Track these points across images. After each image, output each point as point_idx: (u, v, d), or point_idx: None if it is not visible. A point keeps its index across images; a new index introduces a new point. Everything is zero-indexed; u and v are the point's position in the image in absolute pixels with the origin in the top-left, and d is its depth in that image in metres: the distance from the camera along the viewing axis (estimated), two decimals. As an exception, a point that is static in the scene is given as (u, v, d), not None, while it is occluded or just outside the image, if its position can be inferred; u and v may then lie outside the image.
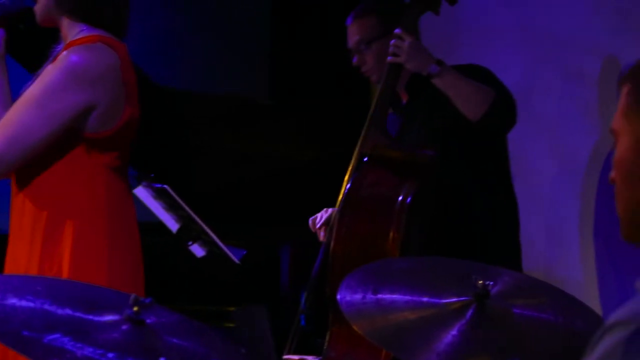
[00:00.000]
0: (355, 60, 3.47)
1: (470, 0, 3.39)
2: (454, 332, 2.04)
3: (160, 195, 3.44)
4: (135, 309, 1.89)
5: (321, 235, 3.37)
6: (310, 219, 3.41)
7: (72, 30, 2.77)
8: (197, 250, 3.58)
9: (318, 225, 3.37)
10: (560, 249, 4.32)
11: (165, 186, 3.39)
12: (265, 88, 5.54)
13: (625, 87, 1.41)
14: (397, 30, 3.27)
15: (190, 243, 3.54)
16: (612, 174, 1.43)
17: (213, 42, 5.46)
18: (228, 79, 5.43)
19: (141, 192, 3.45)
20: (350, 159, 3.37)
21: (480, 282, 2.06)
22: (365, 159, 3.30)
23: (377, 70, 3.42)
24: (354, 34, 3.46)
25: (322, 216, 3.38)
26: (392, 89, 3.37)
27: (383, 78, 3.35)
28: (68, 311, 1.87)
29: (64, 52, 2.73)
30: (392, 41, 3.26)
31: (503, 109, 3.23)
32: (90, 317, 1.88)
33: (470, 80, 3.24)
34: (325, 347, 3.20)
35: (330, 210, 3.38)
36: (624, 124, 1.39)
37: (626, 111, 1.40)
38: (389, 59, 3.28)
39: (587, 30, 4.18)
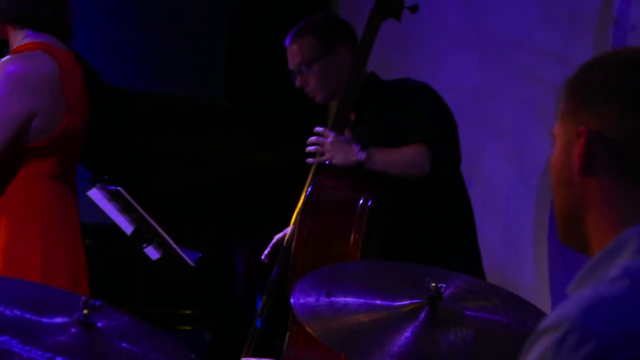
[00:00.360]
0: (297, 83, 3.44)
1: (427, 4, 3.40)
2: (407, 334, 2.04)
3: (114, 197, 3.41)
4: (85, 311, 1.87)
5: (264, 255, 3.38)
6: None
7: (17, 37, 2.81)
8: (152, 252, 3.56)
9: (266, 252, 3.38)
10: (514, 252, 4.34)
11: (119, 188, 3.36)
12: (222, 90, 5.53)
13: (564, 93, 1.43)
14: (317, 128, 3.27)
15: (144, 245, 3.52)
16: None
17: (170, 44, 5.44)
18: (185, 80, 5.41)
19: (95, 194, 3.43)
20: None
21: (433, 284, 2.06)
22: (327, 162, 3.30)
23: (321, 91, 3.41)
24: (293, 56, 3.43)
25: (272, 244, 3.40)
26: (353, 92, 3.35)
27: (320, 86, 3.36)
28: (17, 312, 1.84)
29: (1, 61, 2.75)
30: (314, 138, 3.26)
31: (444, 160, 3.24)
32: (40, 318, 1.86)
33: (401, 151, 3.21)
34: (285, 347, 3.20)
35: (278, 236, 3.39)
36: (560, 128, 1.42)
37: (562, 116, 1.42)
38: (314, 160, 3.26)
39: (540, 34, 4.22)
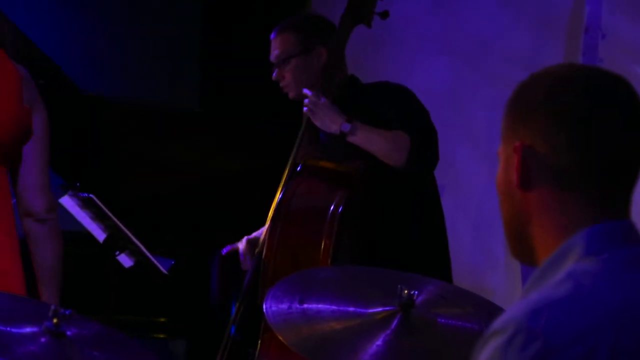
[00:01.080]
0: (274, 75, 3.49)
1: (398, 8, 3.41)
2: (379, 342, 2.03)
3: (86, 204, 3.39)
4: (55, 320, 1.85)
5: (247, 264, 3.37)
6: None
7: None
8: (125, 260, 3.54)
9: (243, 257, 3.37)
10: (487, 257, 4.35)
11: (91, 195, 3.34)
12: (196, 96, 5.51)
13: (504, 111, 1.49)
14: (306, 91, 3.30)
15: (117, 253, 3.50)
16: None
17: (143, 50, 5.42)
18: (159, 86, 5.39)
19: (67, 202, 3.41)
20: (281, 168, 3.37)
21: (406, 291, 2.05)
22: (298, 169, 3.31)
23: (294, 87, 3.45)
24: (274, 48, 3.50)
25: (244, 249, 3.37)
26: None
27: (294, 82, 3.38)
28: (-15, 323, 1.82)
29: None
30: (307, 100, 3.29)
31: (423, 151, 3.26)
32: (8, 328, 1.84)
33: (384, 132, 3.25)
34: (256, 355, 3.19)
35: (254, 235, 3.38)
36: (502, 146, 1.48)
37: (503, 133, 1.48)
38: (305, 110, 3.30)
39: (512, 39, 4.23)
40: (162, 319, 4.40)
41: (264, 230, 3.34)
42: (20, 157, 2.82)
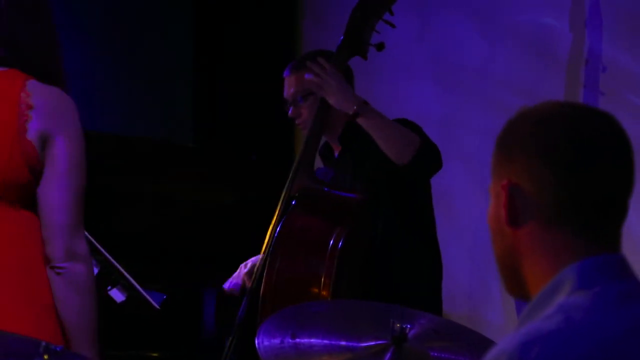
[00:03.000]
0: (290, 112, 3.46)
1: (384, 36, 3.41)
2: (371, 376, 2.02)
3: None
4: (45, 357, 1.84)
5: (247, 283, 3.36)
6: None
7: None
8: (117, 295, 3.53)
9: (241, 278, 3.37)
10: (483, 289, 4.34)
11: (83, 230, 3.33)
12: (189, 131, 5.52)
13: (494, 148, 1.51)
14: (322, 61, 3.28)
15: (109, 288, 3.49)
16: None
17: (137, 85, 5.43)
18: (152, 121, 5.40)
19: (58, 237, 3.39)
20: (274, 202, 3.35)
21: (398, 325, 2.05)
22: (294, 203, 3.28)
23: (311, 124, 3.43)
24: (290, 86, 3.45)
25: (244, 266, 3.37)
26: (319, 131, 3.36)
27: (311, 119, 3.35)
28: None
29: None
30: (319, 71, 3.26)
31: (429, 154, 3.24)
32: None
33: (396, 124, 3.25)
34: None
35: (250, 262, 3.36)
36: (491, 182, 1.50)
37: (492, 170, 1.51)
38: (311, 77, 3.27)
39: (500, 64, 4.24)
40: (154, 354, 4.38)
41: (257, 259, 3.33)
42: (34, 196, 2.46)
